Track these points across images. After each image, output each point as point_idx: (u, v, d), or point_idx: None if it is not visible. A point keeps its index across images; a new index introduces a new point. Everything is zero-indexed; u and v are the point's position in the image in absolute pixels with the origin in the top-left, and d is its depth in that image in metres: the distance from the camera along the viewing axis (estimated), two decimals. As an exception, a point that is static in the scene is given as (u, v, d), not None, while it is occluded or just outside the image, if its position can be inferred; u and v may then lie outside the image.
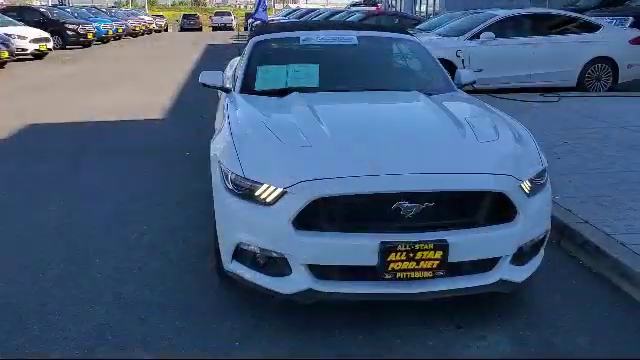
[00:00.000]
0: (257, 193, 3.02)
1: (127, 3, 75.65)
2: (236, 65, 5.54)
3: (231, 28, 46.60)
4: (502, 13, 10.57)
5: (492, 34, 10.03)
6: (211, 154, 3.57)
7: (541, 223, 3.20)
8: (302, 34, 4.82)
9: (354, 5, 34.68)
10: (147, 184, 5.59)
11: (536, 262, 3.24)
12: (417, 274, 2.90)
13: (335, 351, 2.92)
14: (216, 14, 50.57)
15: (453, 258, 2.90)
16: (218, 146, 3.49)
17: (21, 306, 3.34)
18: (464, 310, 3.22)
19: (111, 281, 3.65)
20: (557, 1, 20.24)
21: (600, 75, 10.51)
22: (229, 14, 50.76)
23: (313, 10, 25.49)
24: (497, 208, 3.01)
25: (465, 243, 2.91)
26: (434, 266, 2.89)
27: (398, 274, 2.89)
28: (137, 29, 33.56)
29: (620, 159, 5.84)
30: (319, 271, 2.96)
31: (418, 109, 3.88)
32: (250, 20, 5.38)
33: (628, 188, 4.89)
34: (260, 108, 3.85)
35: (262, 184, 3.01)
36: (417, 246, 2.85)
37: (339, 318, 3.16)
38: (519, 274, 3.12)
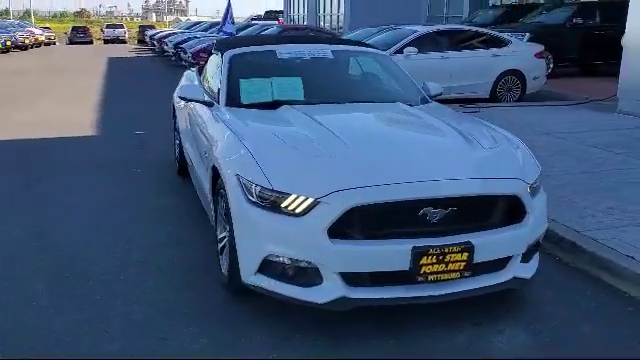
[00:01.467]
0: (284, 204, 3.05)
1: (3, 14, 71.11)
2: (202, 78, 5.47)
3: (124, 41, 45.03)
4: (422, 29, 11.11)
5: (415, 49, 10.51)
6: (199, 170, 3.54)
7: (543, 223, 3.47)
8: (277, 48, 4.88)
9: (254, 19, 34.75)
10: (111, 202, 5.37)
11: (536, 259, 3.50)
12: (446, 276, 3.06)
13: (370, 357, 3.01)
14: (108, 27, 48.63)
15: (477, 259, 3.09)
16: (229, 159, 3.46)
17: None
18: (474, 309, 3.39)
19: (114, 303, 3.50)
20: (454, 18, 21.54)
21: (510, 87, 11.32)
22: (122, 27, 49.03)
23: (218, 23, 25.26)
24: (509, 210, 3.24)
25: (487, 244, 3.10)
26: (461, 267, 3.07)
27: (429, 277, 3.03)
28: (26, 42, 31.61)
29: (556, 163, 6.35)
30: (351, 278, 3.04)
31: (418, 120, 4.07)
32: (219, 33, 5.28)
33: (575, 190, 5.35)
34: (261, 121, 3.87)
35: (289, 195, 3.04)
36: (446, 249, 3.01)
37: (366, 325, 3.24)
38: (527, 271, 3.37)
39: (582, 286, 3.79)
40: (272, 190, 3.09)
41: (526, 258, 3.37)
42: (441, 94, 4.93)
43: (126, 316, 3.36)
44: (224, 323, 3.30)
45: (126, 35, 46.89)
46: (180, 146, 5.85)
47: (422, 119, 4.02)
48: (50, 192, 5.66)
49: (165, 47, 21.39)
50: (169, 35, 23.47)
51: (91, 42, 45.27)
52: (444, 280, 3.07)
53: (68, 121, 9.45)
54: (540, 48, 11.64)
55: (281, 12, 34.84)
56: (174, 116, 6.36)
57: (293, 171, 3.17)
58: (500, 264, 3.26)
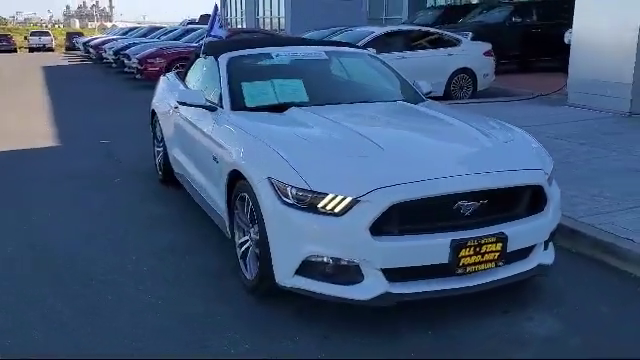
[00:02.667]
0: (321, 204, 3.08)
1: None
2: (187, 83, 5.37)
3: (51, 49, 43.36)
4: (378, 30, 11.33)
5: (374, 50, 10.67)
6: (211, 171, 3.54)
7: (559, 211, 3.64)
8: (272, 50, 4.88)
9: (190, 23, 34.20)
10: (101, 213, 5.21)
11: (552, 247, 3.67)
12: (482, 266, 3.17)
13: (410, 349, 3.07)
14: (33, 34, 46.70)
15: (509, 248, 3.21)
16: (257, 163, 3.44)
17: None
18: (498, 299, 3.51)
19: (143, 314, 3.42)
20: (393, 20, 21.98)
21: (462, 85, 11.69)
22: (48, 34, 47.22)
23: (158, 28, 24.73)
24: (532, 200, 3.39)
25: (518, 234, 3.23)
26: (495, 257, 3.18)
27: (468, 268, 3.13)
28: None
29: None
30: (392, 274, 3.10)
31: (429, 117, 4.17)
32: (206, 39, 5.12)
33: (557, 179, 5.60)
34: (277, 124, 3.88)
35: (326, 195, 3.07)
36: (482, 240, 3.12)
37: (401, 319, 3.31)
38: (548, 257, 3.53)
39: (588, 270, 3.99)
40: (310, 191, 3.10)
41: (546, 246, 3.53)
42: (431, 92, 5.07)
43: (161, 329, 3.28)
44: (258, 327, 3.28)
45: (53, 43, 45.21)
46: (164, 154, 5.73)
47: (433, 116, 4.14)
48: (33, 207, 5.41)
49: (104, 54, 20.73)
50: (106, 42, 22.77)
51: (15, 50, 43.36)
52: (480, 271, 3.18)
53: (25, 133, 9.02)
54: (488, 47, 12.08)
55: (217, 16, 34.42)
56: (153, 124, 6.22)
57: (328, 171, 3.19)
58: (525, 253, 3.40)
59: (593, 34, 9.41)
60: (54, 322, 3.34)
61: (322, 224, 3.08)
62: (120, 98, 13.36)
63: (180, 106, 5.09)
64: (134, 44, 18.24)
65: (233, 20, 30.59)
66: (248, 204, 3.53)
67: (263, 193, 3.29)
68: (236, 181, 3.71)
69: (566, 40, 11.48)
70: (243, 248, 3.73)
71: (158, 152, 6.13)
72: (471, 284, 3.18)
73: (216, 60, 4.76)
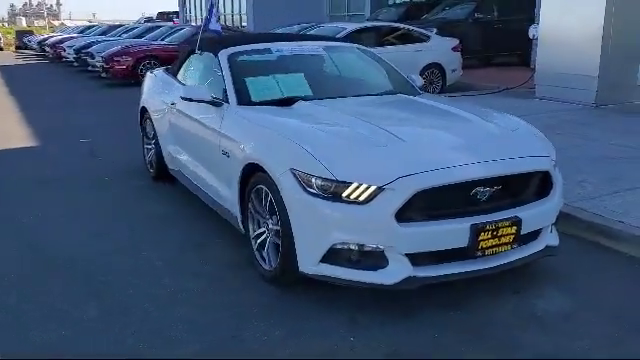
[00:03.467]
0: (346, 193, 3.19)
1: None
2: (187, 80, 5.38)
3: (0, 48, 41.95)
4: (350, 26, 11.49)
5: (347, 45, 10.83)
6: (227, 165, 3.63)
7: (562, 195, 3.84)
8: (271, 45, 4.95)
9: (148, 20, 33.73)
10: (101, 212, 5.19)
11: (555, 229, 3.87)
12: (499, 249, 3.34)
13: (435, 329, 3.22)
14: (-21, 33, 45.06)
15: (522, 231, 3.39)
16: (277, 155, 3.52)
17: None
18: (507, 280, 3.68)
19: (170, 310, 3.47)
20: (356, 17, 22.18)
21: (432, 79, 11.96)
22: (-5, 33, 45.63)
23: (118, 26, 24.26)
24: (539, 185, 3.58)
25: (530, 217, 3.42)
26: (511, 240, 3.36)
27: (486, 251, 3.29)
28: None
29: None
30: (415, 258, 3.23)
31: (435, 108, 4.31)
32: (203, 35, 5.06)
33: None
34: (289, 117, 3.96)
35: (350, 184, 3.18)
36: (499, 224, 3.28)
37: (421, 300, 3.45)
38: (554, 239, 3.73)
39: (586, 251, 4.21)
40: (334, 180, 3.20)
41: (551, 228, 3.72)
42: (423, 85, 5.23)
43: (192, 321, 3.33)
44: (288, 314, 3.37)
45: (1, 41, 43.72)
46: (157, 152, 5.72)
47: (438, 107, 4.29)
48: (25, 209, 5.33)
49: (63, 53, 20.26)
50: (64, 40, 22.24)
51: (-41, 49, 41.79)
52: (497, 253, 3.35)
53: (-3, 134, 8.84)
54: (456, 42, 12.39)
55: (175, 13, 34.06)
56: (142, 122, 6.19)
57: (350, 161, 3.30)
58: (535, 235, 3.58)
59: (559, 29, 9.76)
60: (82, 321, 3.35)
61: (347, 212, 3.19)
62: (89, 97, 13.14)
63: (178, 103, 5.12)
64: (96, 42, 17.91)
65: (193, 18, 30.30)
66: (267, 196, 3.60)
67: (286, 184, 3.37)
68: (251, 174, 3.79)
69: (530, 35, 11.90)
70: (260, 240, 3.81)
71: (149, 150, 6.11)
72: (489, 266, 3.35)
73: (216, 56, 4.79)
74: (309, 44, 5.10)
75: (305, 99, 4.31)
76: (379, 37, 11.70)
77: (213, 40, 5.28)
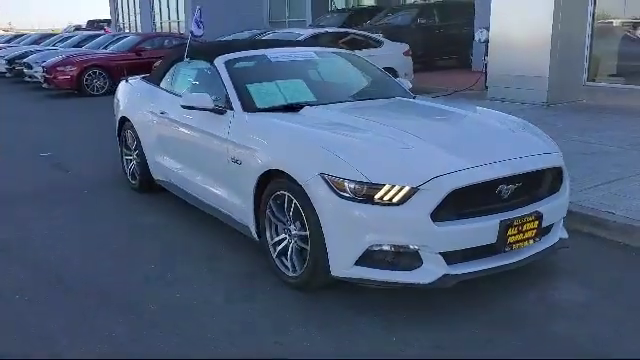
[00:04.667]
0: (378, 195, 3.23)
1: None
2: (176, 87, 5.26)
3: None
4: (306, 32, 11.56)
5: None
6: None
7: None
8: (266, 52, 4.92)
9: (77, 29, 32.57)
10: (90, 226, 5.00)
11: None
12: (523, 243, 3.48)
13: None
14: None
15: (543, 225, 3.54)
16: (303, 160, 3.52)
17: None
18: (520, 274, 3.80)
19: (205, 324, 3.40)
20: (297, 23, 22.29)
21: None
22: None
23: (51, 35, 23.28)
24: (552, 181, 3.75)
25: (548, 211, 3.58)
26: (533, 234, 3.50)
27: (513, 246, 3.42)
28: None
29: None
30: (449, 257, 3.31)
31: (442, 111, 4.41)
32: (193, 38, 4.92)
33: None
34: (305, 122, 3.95)
35: (383, 186, 3.23)
36: (524, 219, 3.42)
37: (445, 297, 3.54)
38: (564, 232, 3.91)
39: (584, 242, 4.39)
40: (367, 183, 3.24)
41: (562, 222, 3.90)
42: (410, 88, 5.35)
43: (227, 331, 3.28)
44: (323, 319, 3.38)
45: None
46: (141, 162, 5.57)
47: (444, 109, 4.40)
48: (9, 228, 5.07)
49: (-7, 63, 19.24)
50: (-8, 50, 21.13)
51: None
52: (521, 247, 3.48)
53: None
54: (406, 47, 12.70)
55: (106, 21, 33.08)
56: (121, 134, 6.00)
57: (380, 163, 3.35)
58: (548, 228, 3.74)
59: (510, 33, 10.18)
60: (105, 342, 3.24)
61: (382, 214, 3.24)
62: (35, 109, 12.57)
63: (169, 111, 5.02)
64: (30, 52, 17.15)
65: (127, 26, 29.51)
66: (290, 202, 3.59)
67: (316, 189, 3.37)
68: (268, 181, 3.77)
69: (477, 38, 12.34)
70: (280, 247, 3.79)
71: (129, 160, 5.95)
72: (515, 260, 3.48)
73: (211, 63, 4.73)
74: (301, 50, 5.12)
75: (310, 104, 4.32)
76: (333, 43, 11.81)
77: (202, 47, 5.21)
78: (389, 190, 3.23)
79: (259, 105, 4.32)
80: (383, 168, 3.31)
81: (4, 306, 3.62)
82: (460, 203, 3.32)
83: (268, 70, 4.79)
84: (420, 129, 3.85)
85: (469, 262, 3.38)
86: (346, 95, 4.69)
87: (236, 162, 4.06)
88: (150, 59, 13.75)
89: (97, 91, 13.93)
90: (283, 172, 3.61)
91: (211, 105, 4.33)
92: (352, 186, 3.27)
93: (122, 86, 6.30)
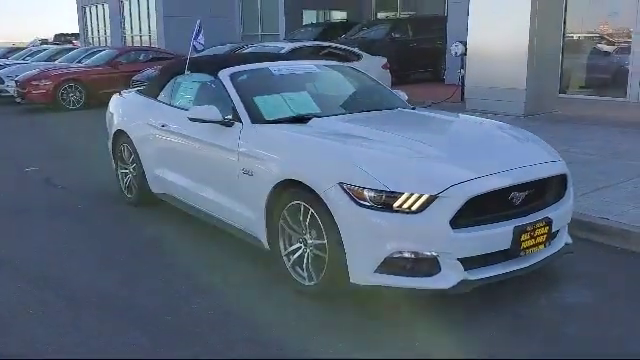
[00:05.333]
0: (397, 204, 3.31)
1: None
2: (176, 100, 5.26)
3: None
4: (287, 46, 11.65)
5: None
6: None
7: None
8: (269, 65, 4.99)
9: (43, 42, 32.12)
10: (94, 242, 4.95)
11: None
12: (535, 248, 3.60)
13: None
14: None
15: (553, 230, 3.67)
16: (321, 170, 3.58)
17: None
18: (525, 280, 3.87)
19: (233, 335, 3.42)
20: (270, 37, 22.40)
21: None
22: None
23: (19, 49, 22.89)
24: (558, 188, 3.89)
25: (557, 217, 3.71)
26: (544, 239, 3.63)
27: (526, 251, 3.54)
28: None
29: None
30: (466, 262, 3.41)
31: (447, 121, 4.54)
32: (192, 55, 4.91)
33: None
34: (317, 134, 4.02)
35: (402, 194, 3.31)
36: (537, 225, 3.54)
37: (465, 306, 3.63)
38: (568, 237, 4.05)
39: (582, 247, 4.49)
40: (386, 192, 3.32)
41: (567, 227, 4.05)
42: (407, 99, 5.47)
43: (250, 340, 3.31)
44: (343, 326, 3.43)
45: None
46: (139, 175, 5.55)
47: (448, 120, 4.53)
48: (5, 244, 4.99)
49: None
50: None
51: None
52: (533, 252, 3.60)
53: None
54: (384, 60, 12.90)
55: (74, 35, 32.68)
56: (116, 146, 5.96)
57: (398, 172, 3.44)
58: (555, 234, 3.87)
59: (487, 46, 10.44)
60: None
61: (402, 222, 3.32)
62: (11, 124, 12.38)
63: (171, 124, 5.03)
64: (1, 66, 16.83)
65: (95, 39, 29.18)
66: (306, 211, 3.65)
67: (335, 198, 3.44)
68: (281, 191, 3.82)
69: (453, 52, 12.63)
70: (295, 256, 3.83)
71: (124, 174, 5.91)
72: (528, 264, 3.59)
73: (215, 77, 4.77)
74: (303, 63, 5.20)
75: (317, 116, 4.39)
76: (314, 55, 11.94)
77: (204, 61, 5.25)
78: (408, 198, 3.31)
79: (267, 117, 4.37)
80: (402, 177, 3.40)
81: (16, 323, 3.56)
82: (476, 210, 3.42)
83: (272, 83, 4.85)
84: (432, 139, 3.96)
85: (485, 267, 3.48)
86: (350, 107, 4.78)
87: (248, 173, 4.10)
88: (127, 73, 13.65)
89: (73, 105, 13.74)
90: (299, 182, 3.67)
91: (219, 117, 4.37)
92: (372, 195, 3.35)
93: (116, 99, 6.27)
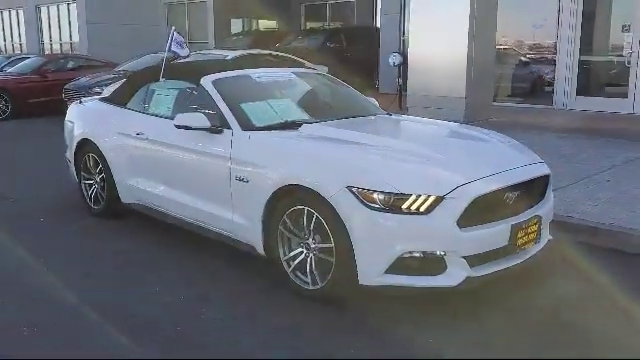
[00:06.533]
0: (405, 205, 3.44)
1: None
2: (151, 108, 5.14)
3: None
4: (232, 54, 11.56)
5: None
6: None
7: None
8: (250, 72, 4.99)
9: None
10: (64, 257, 4.75)
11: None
12: (528, 244, 3.81)
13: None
14: None
15: (541, 227, 3.91)
16: (328, 174, 3.64)
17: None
18: (519, 278, 4.08)
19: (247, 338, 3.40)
20: (199, 45, 22.11)
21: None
22: None
23: None
24: (542, 187, 4.14)
25: (545, 215, 3.96)
26: (534, 236, 3.86)
27: (522, 247, 3.74)
28: None
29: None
30: (470, 260, 3.56)
31: (432, 127, 4.71)
32: (168, 61, 4.68)
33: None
34: (313, 139, 4.08)
35: (410, 196, 3.43)
36: (530, 222, 3.76)
37: (465, 305, 3.78)
38: (550, 234, 4.30)
39: (573, 247, 4.73)
40: (395, 194, 3.43)
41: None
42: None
43: (264, 343, 3.31)
44: (360, 327, 3.50)
45: None
46: (109, 186, 5.37)
47: (433, 126, 4.70)
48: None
49: None
50: None
51: None
52: (527, 248, 3.82)
53: None
54: (326, 69, 13.03)
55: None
56: (79, 156, 5.73)
57: (404, 174, 3.58)
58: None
59: (427, 56, 10.83)
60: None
61: (412, 223, 3.44)
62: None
63: (148, 132, 4.92)
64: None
65: (9, 46, 27.66)
66: (310, 216, 3.69)
67: (344, 202, 3.51)
68: (283, 196, 3.84)
69: (390, 62, 13.05)
70: (296, 261, 3.86)
71: (89, 185, 5.70)
72: (522, 259, 3.80)
73: (197, 84, 4.72)
74: (280, 71, 5.24)
75: (307, 123, 4.43)
76: (259, 65, 11.93)
77: (181, 68, 5.17)
78: (416, 200, 3.43)
79: (256, 123, 4.37)
80: (409, 179, 3.52)
81: (20, 341, 3.39)
82: (477, 210, 3.59)
83: (254, 90, 4.85)
84: (427, 143, 4.12)
85: (486, 264, 3.65)
86: (333, 113, 4.86)
87: (242, 180, 4.08)
88: (57, 81, 13.04)
89: (-1, 116, 13.02)
90: (301, 187, 3.71)
91: (208, 124, 4.32)
92: (381, 197, 3.44)
93: (76, 108, 6.04)
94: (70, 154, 5.91)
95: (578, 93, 12.13)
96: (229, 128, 4.31)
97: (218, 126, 4.35)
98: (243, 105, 4.53)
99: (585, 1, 11.71)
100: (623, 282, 4.07)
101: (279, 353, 3.22)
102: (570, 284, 4.09)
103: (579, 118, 11.12)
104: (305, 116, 4.62)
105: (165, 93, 5.15)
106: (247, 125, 4.34)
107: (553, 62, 12.49)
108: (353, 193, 3.49)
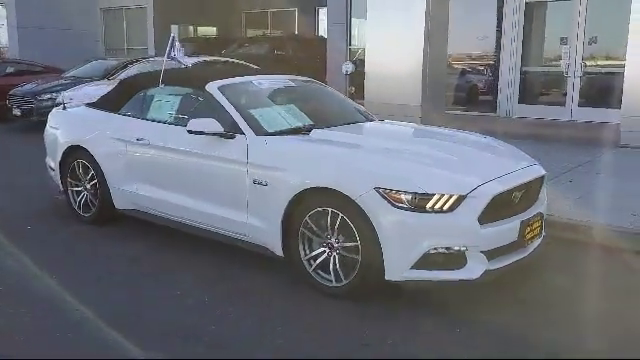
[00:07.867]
0: (430, 204, 3.67)
1: None
2: (150, 114, 5.13)
3: None
4: (188, 60, 11.46)
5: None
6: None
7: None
8: (251, 78, 5.09)
9: None
10: (67, 264, 4.68)
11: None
12: (534, 239, 4.14)
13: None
14: None
15: (543, 223, 4.24)
16: (355, 177, 3.82)
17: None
18: (519, 273, 4.35)
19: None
20: (138, 51, 21.71)
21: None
22: None
23: None
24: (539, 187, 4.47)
25: (544, 212, 4.28)
26: (539, 231, 4.19)
27: (529, 241, 4.06)
28: None
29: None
30: (487, 254, 3.82)
31: (431, 132, 4.97)
32: (168, 62, 4.58)
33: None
34: (330, 143, 4.25)
35: (433, 195, 3.67)
36: (535, 219, 4.09)
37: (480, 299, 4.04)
38: (544, 229, 4.64)
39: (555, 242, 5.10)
40: (420, 194, 3.65)
41: (541, 220, 4.65)
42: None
43: (298, 339, 3.45)
44: (389, 321, 3.69)
45: None
46: (103, 193, 5.32)
47: (432, 131, 4.97)
48: None
49: None
50: None
51: None
52: (532, 242, 4.14)
53: None
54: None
55: None
56: (67, 163, 5.62)
57: (428, 176, 3.81)
58: (538, 226, 4.46)
59: (384, 66, 11.22)
60: None
61: (437, 221, 3.67)
62: None
63: (149, 138, 4.93)
64: None
65: None
66: (334, 216, 3.85)
67: (372, 203, 3.70)
68: (304, 198, 3.98)
69: (344, 71, 13.35)
70: (318, 261, 4.01)
71: (78, 192, 5.60)
72: (528, 253, 4.10)
73: (202, 90, 4.78)
74: (279, 78, 5.37)
75: (316, 128, 4.59)
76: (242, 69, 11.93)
77: (181, 74, 5.20)
78: (439, 199, 3.67)
79: (268, 129, 4.49)
80: (432, 180, 3.76)
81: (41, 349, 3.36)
82: (494, 208, 3.85)
83: (258, 96, 4.98)
84: (438, 147, 4.38)
85: (500, 257, 3.92)
86: (334, 119, 5.04)
87: (261, 183, 4.18)
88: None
89: (-64, 124, 12.29)
90: (326, 189, 3.87)
91: (221, 130, 4.39)
92: (407, 197, 3.66)
93: (60, 115, 5.91)
94: (54, 162, 5.78)
95: (520, 101, 12.84)
96: (242, 133, 4.40)
97: (230, 132, 4.44)
98: (253, 110, 4.64)
99: (526, 15, 12.45)
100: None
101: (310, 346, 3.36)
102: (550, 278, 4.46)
103: (522, 125, 11.77)
104: (310, 121, 4.77)
105: (165, 99, 5.16)
106: (260, 130, 4.44)
107: (497, 72, 13.18)
108: (380, 194, 3.69)
